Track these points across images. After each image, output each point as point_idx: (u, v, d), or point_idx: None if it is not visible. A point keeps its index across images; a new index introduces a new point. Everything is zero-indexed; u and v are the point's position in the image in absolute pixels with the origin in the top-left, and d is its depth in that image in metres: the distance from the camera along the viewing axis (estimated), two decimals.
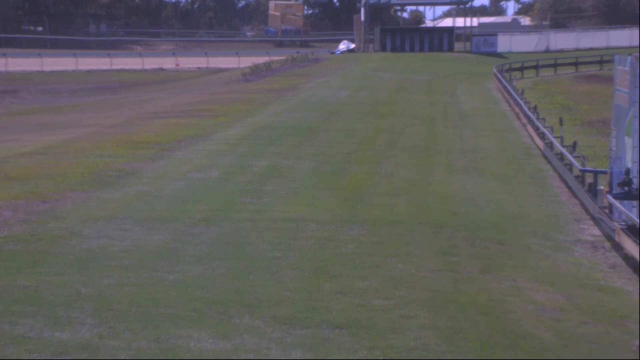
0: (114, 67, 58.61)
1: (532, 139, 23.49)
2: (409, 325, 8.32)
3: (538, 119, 24.16)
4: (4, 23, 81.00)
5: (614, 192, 13.21)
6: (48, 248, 10.89)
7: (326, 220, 12.83)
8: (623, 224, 12.16)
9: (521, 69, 48.10)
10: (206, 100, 33.22)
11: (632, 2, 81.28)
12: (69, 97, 43.52)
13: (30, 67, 56.55)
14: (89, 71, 56.73)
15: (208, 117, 26.63)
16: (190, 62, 63.32)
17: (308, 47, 79.13)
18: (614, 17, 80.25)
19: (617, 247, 12.13)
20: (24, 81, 49.91)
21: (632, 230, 11.67)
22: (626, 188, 12.68)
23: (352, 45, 67.39)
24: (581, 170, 16.03)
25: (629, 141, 12.70)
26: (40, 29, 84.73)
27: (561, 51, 60.88)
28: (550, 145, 20.58)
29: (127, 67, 59.06)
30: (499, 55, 58.07)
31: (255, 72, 46.94)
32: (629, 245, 11.48)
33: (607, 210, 13.37)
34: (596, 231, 13.41)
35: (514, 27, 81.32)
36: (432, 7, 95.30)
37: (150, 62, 60.96)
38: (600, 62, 50.56)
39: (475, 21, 72.05)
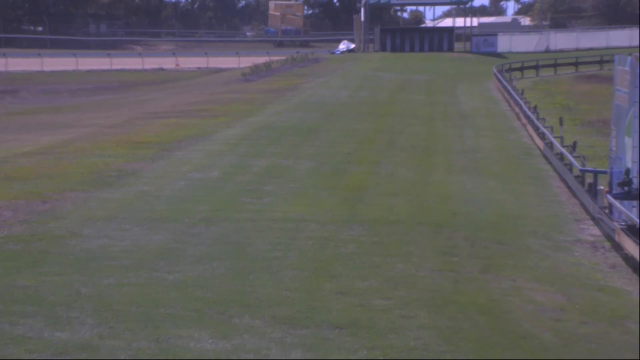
0: (114, 67, 58.62)
1: (532, 139, 23.49)
2: (409, 325, 8.32)
3: (538, 119, 24.16)
4: (4, 23, 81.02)
5: (614, 192, 13.21)
6: (48, 248, 10.89)
7: (326, 220, 12.83)
8: (623, 224, 12.16)
9: (521, 69, 48.11)
10: (206, 100, 33.22)
11: (632, 2, 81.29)
12: (69, 97, 43.53)
13: (30, 67, 56.55)
14: (89, 71, 56.73)
15: (208, 117, 26.63)
16: (190, 62, 63.32)
17: (308, 47, 79.14)
18: (614, 17, 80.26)
19: (617, 247, 12.13)
20: (24, 81, 49.91)
21: (632, 230, 11.67)
22: (626, 188, 12.68)
23: (352, 45, 67.39)
24: (581, 170, 16.03)
25: (629, 141, 12.70)
26: (40, 29, 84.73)
27: (561, 51, 60.88)
28: (550, 145, 20.58)
29: (127, 67, 59.07)
30: (499, 55, 58.08)
31: (255, 72, 46.95)
32: (629, 245, 11.48)
33: (607, 210, 13.37)
34: (596, 231, 13.41)
35: (514, 27, 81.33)
36: (432, 7, 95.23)
37: (150, 62, 60.96)
38: (600, 62, 50.56)
39: (475, 21, 72.07)
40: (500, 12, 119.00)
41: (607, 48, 61.01)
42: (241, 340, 7.78)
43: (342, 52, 66.05)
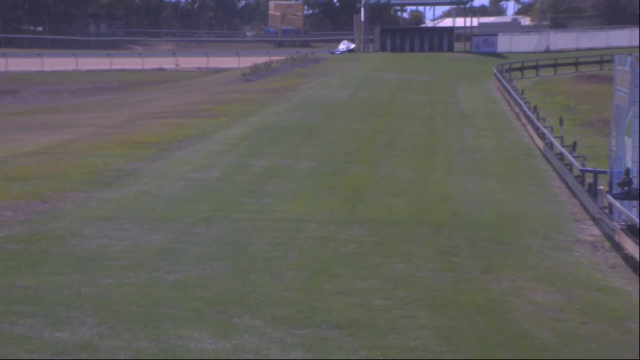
0: (114, 67, 58.62)
1: (532, 139, 23.49)
2: (409, 325, 8.32)
3: (538, 119, 24.16)
4: (4, 23, 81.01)
5: (614, 192, 13.21)
6: (48, 248, 10.89)
7: (326, 220, 12.83)
8: (623, 224, 12.16)
9: (521, 69, 48.11)
10: (206, 100, 33.22)
11: (632, 2, 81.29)
12: (69, 97, 43.53)
13: (30, 67, 56.55)
14: (89, 71, 56.73)
15: (208, 117, 26.63)
16: (190, 62, 63.32)
17: (308, 47, 79.14)
18: (614, 17, 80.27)
19: (617, 247, 12.13)
20: (24, 81, 49.91)
21: (632, 230, 11.67)
22: (626, 188, 12.68)
23: (352, 45, 67.40)
24: (581, 170, 16.03)
25: (629, 141, 12.70)
26: (40, 29, 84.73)
27: (561, 51, 60.88)
28: (550, 145, 20.58)
29: (127, 67, 59.07)
30: (499, 55, 58.08)
31: (255, 72, 46.95)
32: (629, 245, 11.48)
33: (607, 210, 13.37)
34: (596, 231, 13.41)
35: (514, 27, 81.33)
36: (432, 7, 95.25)
37: (150, 62, 60.96)
38: (600, 62, 50.57)
39: (475, 21, 72.07)
40: (500, 12, 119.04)
41: (607, 48, 61.01)
42: (241, 340, 7.78)
43: (342, 52, 66.05)
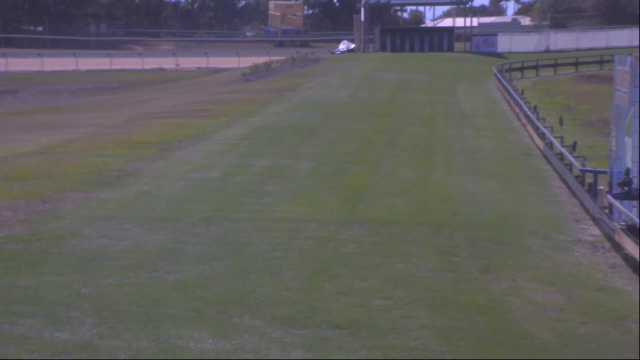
0: (114, 67, 58.62)
1: (532, 139, 23.49)
2: (409, 325, 8.32)
3: (538, 119, 24.17)
4: (4, 23, 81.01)
5: (614, 192, 13.21)
6: (48, 248, 10.89)
7: (326, 220, 12.83)
8: (623, 224, 12.16)
9: (521, 69, 48.12)
10: (206, 100, 33.22)
11: (632, 2, 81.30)
12: (69, 97, 43.53)
13: (30, 67, 56.55)
14: (89, 71, 56.73)
15: (208, 117, 26.63)
16: (190, 62, 63.33)
17: (308, 47, 79.15)
18: (614, 17, 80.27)
19: (617, 247, 12.13)
20: (24, 81, 49.91)
21: (632, 230, 11.67)
22: (626, 188, 12.68)
23: (352, 45, 67.40)
24: (581, 170, 16.03)
25: (629, 141, 12.70)
26: (40, 29, 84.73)
27: (561, 51, 60.88)
28: (550, 145, 20.58)
29: (127, 67, 59.07)
30: (499, 55, 58.08)
31: (255, 72, 46.95)
32: (629, 245, 11.48)
33: (607, 210, 13.37)
34: (596, 231, 13.41)
35: (514, 27, 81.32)
36: (432, 7, 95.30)
37: (150, 62, 60.96)
38: (600, 62, 50.57)
39: (475, 21, 72.06)
40: (500, 12, 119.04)
41: (607, 48, 61.01)
42: (241, 340, 7.78)
43: (342, 52, 66.06)
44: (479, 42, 62.15)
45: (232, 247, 11.17)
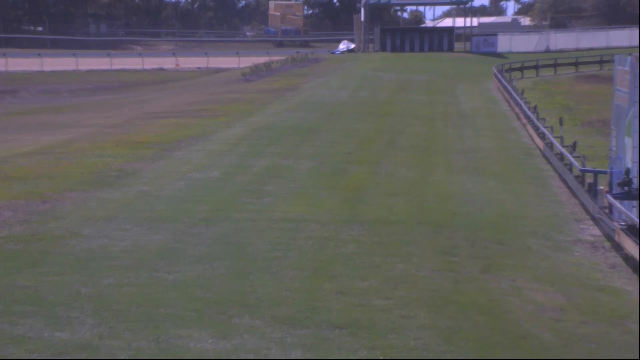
0: (114, 67, 58.62)
1: (532, 139, 23.49)
2: (409, 325, 8.32)
3: (538, 119, 24.17)
4: (4, 23, 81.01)
5: (614, 192, 13.21)
6: (48, 248, 10.89)
7: (326, 220, 12.83)
8: (623, 224, 12.16)
9: (521, 69, 48.13)
10: (206, 100, 33.22)
11: (632, 2, 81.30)
12: (69, 97, 43.53)
13: (30, 67, 56.55)
14: (89, 71, 56.73)
15: (208, 117, 26.63)
16: (190, 62, 63.33)
17: (308, 47, 79.15)
18: (614, 17, 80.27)
19: (617, 247, 12.13)
20: (24, 81, 49.90)
21: (632, 230, 11.67)
22: (626, 188, 12.68)
23: (352, 45, 67.41)
24: (581, 170, 16.03)
25: (629, 141, 12.70)
26: (40, 29, 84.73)
27: (561, 51, 60.89)
28: (550, 145, 20.58)
29: (127, 67, 59.07)
30: (499, 55, 58.08)
31: (255, 72, 46.95)
32: (629, 245, 11.48)
33: (607, 210, 13.37)
34: (596, 231, 13.41)
35: (514, 27, 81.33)
36: (432, 7, 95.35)
37: (150, 62, 60.96)
38: (600, 62, 50.57)
39: (475, 21, 72.07)
40: (500, 12, 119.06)
41: (607, 48, 61.02)
42: (241, 340, 7.78)
43: (342, 52, 66.07)
44: (479, 42, 62.16)
45: (232, 247, 11.17)
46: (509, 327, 8.51)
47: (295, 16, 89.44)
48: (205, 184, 15.82)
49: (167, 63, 61.22)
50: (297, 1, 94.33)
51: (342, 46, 68.74)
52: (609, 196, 13.27)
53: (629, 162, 12.67)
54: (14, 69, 55.16)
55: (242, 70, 49.12)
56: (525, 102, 28.40)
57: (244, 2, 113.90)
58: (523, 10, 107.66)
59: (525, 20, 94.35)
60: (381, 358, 7.51)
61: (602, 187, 14.21)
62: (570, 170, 17.19)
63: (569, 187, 16.79)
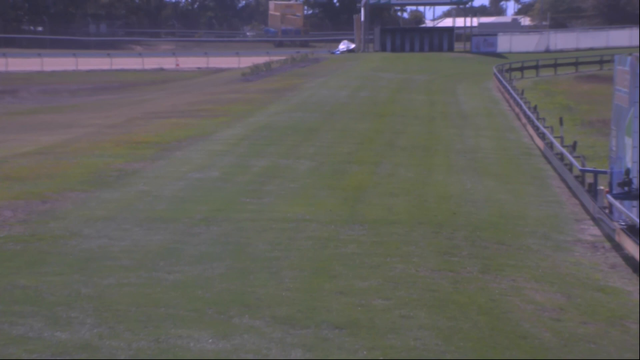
0: (114, 67, 58.63)
1: (532, 139, 23.50)
2: (409, 325, 8.32)
3: (538, 119, 24.17)
4: (4, 23, 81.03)
5: (614, 192, 13.21)
6: (48, 248, 10.89)
7: (326, 220, 12.82)
8: (623, 224, 12.16)
9: (521, 69, 48.16)
10: (206, 100, 33.22)
11: (632, 2, 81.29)
12: (69, 97, 43.52)
13: (30, 67, 56.55)
14: (89, 71, 56.73)
15: (208, 117, 26.63)
16: (190, 62, 63.34)
17: (308, 47, 79.15)
18: (614, 17, 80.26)
19: (617, 247, 12.13)
20: (24, 81, 49.88)
21: (632, 230, 11.68)
22: (626, 188, 12.68)
23: (352, 45, 67.43)
24: (581, 170, 16.04)
25: (629, 141, 12.71)
26: (40, 29, 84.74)
27: (561, 51, 60.92)
28: (550, 145, 20.58)
29: (127, 67, 59.07)
30: (499, 55, 58.11)
31: (255, 72, 46.95)
32: (629, 245, 11.48)
33: (607, 210, 13.37)
34: (596, 231, 13.41)
35: (514, 27, 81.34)
36: (432, 7, 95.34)
37: (150, 62, 60.97)
38: (600, 62, 50.60)
39: (475, 21, 72.08)
40: (500, 12, 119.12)
41: (607, 48, 61.03)
42: (241, 340, 7.78)
43: (342, 52, 66.09)
44: (479, 42, 62.18)
45: (232, 247, 11.17)
46: (509, 327, 8.51)
47: (295, 16, 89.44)
48: (205, 184, 15.82)
49: (167, 63, 61.22)
50: (297, 1, 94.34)
51: (342, 46, 68.77)
52: (609, 196, 13.27)
53: (629, 162, 12.67)
54: (14, 69, 55.16)
55: (242, 70, 49.12)
56: (525, 102, 28.42)
57: (244, 2, 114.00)
58: (523, 10, 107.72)
59: (525, 20, 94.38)
60: (381, 358, 7.51)
61: (602, 187, 14.22)
62: (570, 170, 17.19)
63: (569, 187, 16.79)
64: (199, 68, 60.70)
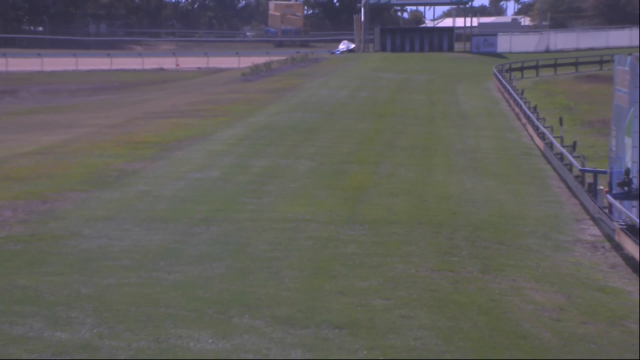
0: (114, 67, 58.64)
1: (532, 139, 23.50)
2: (409, 325, 8.32)
3: (538, 119, 24.17)
4: (4, 23, 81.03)
5: (614, 192, 13.21)
6: (48, 248, 10.89)
7: (326, 220, 12.82)
8: (623, 224, 12.16)
9: (521, 69, 48.17)
10: (206, 100, 33.22)
11: (632, 2, 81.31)
12: (69, 97, 43.53)
13: (30, 67, 56.56)
14: (89, 71, 56.73)
15: (208, 117, 26.64)
16: (190, 62, 63.34)
17: (308, 47, 79.15)
18: (614, 17, 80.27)
19: (617, 247, 12.13)
20: (24, 81, 49.88)
21: (632, 230, 11.67)
22: (626, 188, 12.68)
23: (352, 45, 67.46)
24: (581, 170, 16.04)
25: (629, 141, 12.71)
26: (40, 29, 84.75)
27: (561, 51, 60.94)
28: (550, 145, 20.58)
29: (127, 67, 59.08)
30: (499, 55, 58.11)
31: (255, 72, 46.96)
32: (629, 245, 11.48)
33: (607, 210, 13.37)
34: (596, 231, 13.41)
35: (514, 27, 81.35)
36: (432, 7, 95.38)
37: (150, 62, 60.97)
38: (600, 62, 50.62)
39: (475, 21, 72.09)
40: (500, 12, 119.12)
41: (607, 48, 61.06)
42: (241, 340, 7.78)
43: (342, 52, 66.10)
44: (479, 42, 62.19)
45: (232, 247, 11.17)
46: (509, 327, 8.51)
47: (295, 16, 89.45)
48: (205, 184, 15.82)
49: (167, 63, 61.23)
50: (297, 1, 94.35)
51: (342, 46, 68.79)
52: (609, 196, 13.27)
53: (629, 162, 12.67)
54: (14, 69, 55.16)
55: (242, 70, 49.12)
56: (525, 102, 28.42)
57: (244, 2, 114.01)
58: (523, 10, 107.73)
59: (525, 20, 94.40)
60: (381, 358, 7.51)
61: (602, 187, 14.22)
62: (570, 170, 17.19)
63: (569, 187, 16.79)
64: (199, 68, 60.70)
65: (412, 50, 61.64)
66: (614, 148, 14.02)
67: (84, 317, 8.23)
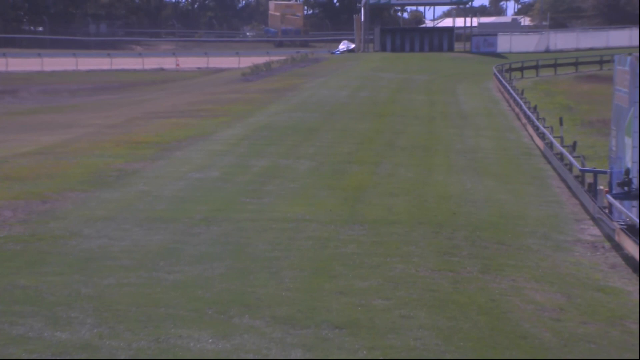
0: (114, 67, 58.64)
1: (532, 139, 23.50)
2: (409, 325, 8.32)
3: (538, 119, 24.17)
4: (4, 23, 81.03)
5: (614, 192, 13.21)
6: (48, 248, 10.89)
7: (326, 220, 12.82)
8: (623, 224, 12.16)
9: (521, 69, 48.17)
10: (206, 100, 33.22)
11: (632, 2, 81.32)
12: (69, 97, 43.53)
13: (30, 67, 56.56)
14: (89, 71, 56.73)
15: (208, 117, 26.64)
16: (190, 62, 63.34)
17: (308, 47, 79.15)
18: (614, 17, 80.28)
19: (617, 247, 12.13)
20: (24, 81, 49.88)
21: (632, 230, 11.68)
22: (626, 188, 12.68)
23: (352, 45, 67.46)
24: (581, 170, 16.04)
25: (629, 141, 12.71)
26: (40, 29, 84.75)
27: (561, 51, 60.94)
28: (550, 145, 20.58)
29: (127, 67, 59.08)
30: (499, 55, 58.12)
31: (255, 72, 46.96)
32: (629, 245, 11.48)
33: (607, 210, 13.37)
34: (596, 231, 13.41)
35: (514, 27, 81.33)
36: (432, 7, 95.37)
37: (150, 62, 60.97)
38: (600, 62, 50.62)
39: (475, 21, 72.09)
40: (500, 12, 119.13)
41: (607, 48, 61.06)
42: (241, 340, 7.78)
43: (342, 52, 66.10)
44: (479, 42, 62.20)
45: (232, 247, 11.17)
46: (509, 327, 8.51)
47: (295, 16, 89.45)
48: (205, 184, 15.82)
49: (167, 63, 61.23)
50: (297, 1, 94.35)
51: (342, 46, 68.79)
52: (609, 196, 13.27)
53: (629, 162, 12.67)
54: (14, 69, 55.16)
55: (242, 70, 49.12)
56: (525, 102, 28.42)
57: (244, 2, 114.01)
58: (523, 10, 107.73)
59: (525, 20, 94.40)
60: (381, 358, 7.51)
61: (602, 187, 14.22)
62: (570, 170, 17.19)
63: (568, 187, 16.79)
64: (199, 68, 60.70)
65: (412, 50, 61.64)
66: (614, 148, 14.02)
67: (84, 317, 8.23)
